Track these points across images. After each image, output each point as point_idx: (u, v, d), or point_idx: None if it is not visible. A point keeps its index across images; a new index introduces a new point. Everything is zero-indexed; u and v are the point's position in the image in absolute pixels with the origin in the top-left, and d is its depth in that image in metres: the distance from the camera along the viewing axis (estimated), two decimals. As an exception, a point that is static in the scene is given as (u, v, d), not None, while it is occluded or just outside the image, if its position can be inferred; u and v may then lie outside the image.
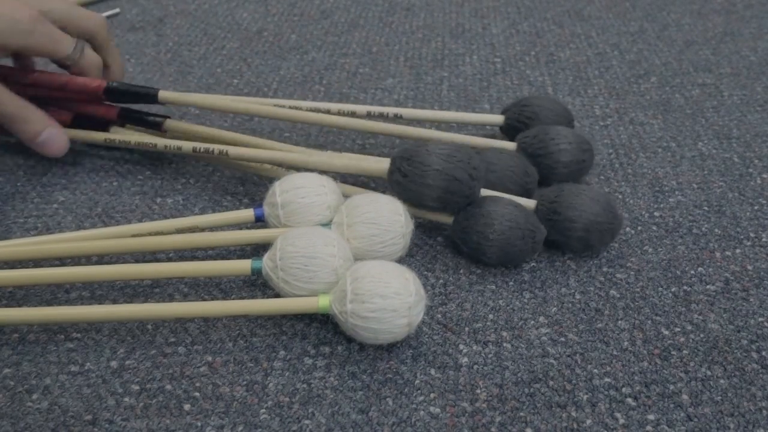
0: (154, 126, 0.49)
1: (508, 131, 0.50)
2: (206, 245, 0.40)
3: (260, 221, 0.40)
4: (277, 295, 0.36)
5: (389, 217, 0.37)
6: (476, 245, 0.39)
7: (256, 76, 0.62)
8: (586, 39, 0.70)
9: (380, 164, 0.42)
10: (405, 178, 0.39)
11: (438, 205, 0.40)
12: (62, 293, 0.39)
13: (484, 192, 0.41)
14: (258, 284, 0.39)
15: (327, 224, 0.39)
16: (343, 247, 0.36)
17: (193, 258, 0.41)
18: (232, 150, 0.45)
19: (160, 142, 0.46)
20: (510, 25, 0.74)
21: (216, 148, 0.45)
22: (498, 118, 0.50)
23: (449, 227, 0.41)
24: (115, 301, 0.38)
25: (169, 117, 0.49)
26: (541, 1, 0.80)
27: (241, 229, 0.43)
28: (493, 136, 0.49)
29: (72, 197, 0.46)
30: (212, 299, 0.38)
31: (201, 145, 0.45)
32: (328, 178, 0.40)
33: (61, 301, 0.38)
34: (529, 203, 0.42)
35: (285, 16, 0.75)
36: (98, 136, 0.48)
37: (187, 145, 0.46)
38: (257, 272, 0.36)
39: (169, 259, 0.41)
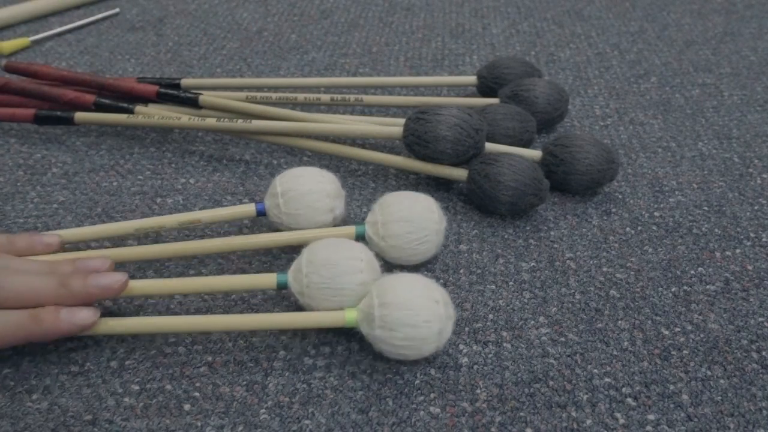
0: (190, 102, 0.51)
1: (482, 90, 0.57)
2: (240, 248, 0.39)
3: (261, 215, 0.41)
4: (300, 307, 0.36)
5: (423, 214, 0.38)
6: (492, 187, 0.43)
7: (256, 76, 0.62)
8: (586, 39, 0.70)
9: (394, 127, 0.46)
10: (422, 127, 0.43)
11: (450, 153, 0.43)
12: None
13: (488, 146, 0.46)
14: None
15: (361, 224, 0.39)
16: (370, 259, 0.35)
17: (217, 266, 0.41)
18: (255, 121, 0.47)
19: (184, 116, 0.48)
20: (510, 25, 0.74)
21: (238, 118, 0.47)
22: (471, 79, 0.57)
23: (463, 182, 0.46)
24: (137, 312, 0.38)
25: (201, 93, 0.51)
26: (541, 1, 0.80)
27: (243, 229, 0.43)
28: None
29: (72, 197, 0.46)
30: (233, 306, 0.38)
31: (224, 117, 0.47)
32: (326, 171, 0.41)
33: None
34: (535, 153, 0.47)
35: (285, 16, 0.75)
36: (121, 118, 0.50)
37: (210, 118, 0.48)
38: (283, 286, 0.35)
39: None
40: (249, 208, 0.41)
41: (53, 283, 0.34)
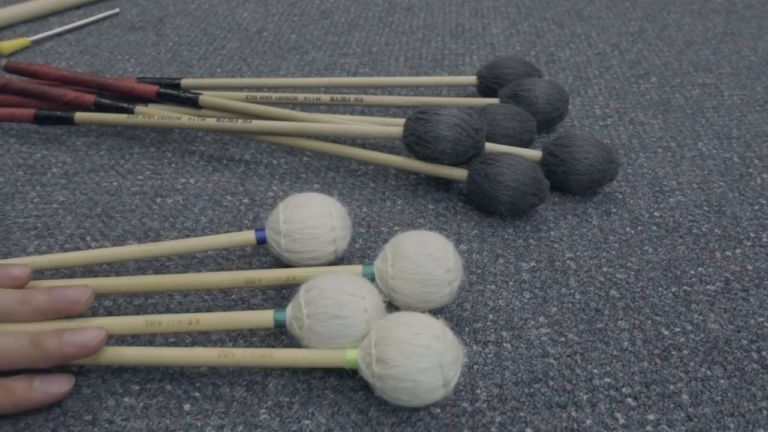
0: (190, 102, 0.51)
1: (482, 90, 0.57)
2: (234, 285, 0.37)
3: (262, 243, 0.38)
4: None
5: (440, 286, 0.35)
6: (492, 187, 0.43)
7: (256, 76, 0.62)
8: (586, 39, 0.70)
9: (394, 127, 0.46)
10: (422, 127, 0.44)
11: (450, 153, 0.44)
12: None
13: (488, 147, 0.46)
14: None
15: (369, 265, 0.36)
16: (373, 297, 0.33)
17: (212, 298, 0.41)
18: (256, 121, 0.47)
19: (184, 116, 0.49)
20: (510, 25, 0.74)
21: (238, 118, 0.48)
22: (471, 79, 0.57)
23: (463, 182, 0.46)
24: (137, 312, 0.38)
25: (201, 93, 0.52)
26: (541, 1, 0.80)
27: (243, 250, 0.43)
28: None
29: (72, 197, 0.46)
30: (233, 306, 0.38)
31: (224, 117, 0.47)
32: (335, 200, 0.39)
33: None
34: (535, 153, 0.47)
35: (285, 16, 0.75)
36: (121, 118, 0.50)
37: (210, 118, 0.48)
38: (281, 325, 0.33)
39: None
40: (249, 236, 0.38)
41: (24, 343, 0.31)
